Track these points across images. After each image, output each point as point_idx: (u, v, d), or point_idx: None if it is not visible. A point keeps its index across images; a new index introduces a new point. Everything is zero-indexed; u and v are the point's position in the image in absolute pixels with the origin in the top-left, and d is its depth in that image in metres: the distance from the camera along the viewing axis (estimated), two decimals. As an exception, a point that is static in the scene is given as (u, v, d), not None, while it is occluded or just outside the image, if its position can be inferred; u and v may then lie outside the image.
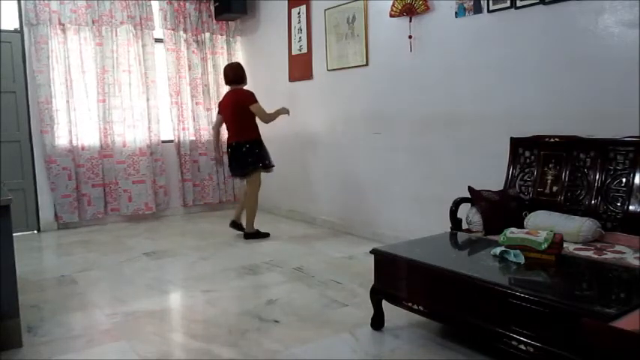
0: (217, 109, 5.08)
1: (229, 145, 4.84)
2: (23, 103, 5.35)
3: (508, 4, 3.49)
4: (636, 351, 1.63)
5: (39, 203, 5.47)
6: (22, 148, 5.38)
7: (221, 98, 5.11)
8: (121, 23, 5.69)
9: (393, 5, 4.20)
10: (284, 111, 4.94)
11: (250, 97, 4.73)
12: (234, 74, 4.82)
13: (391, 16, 4.24)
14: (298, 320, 2.96)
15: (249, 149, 4.74)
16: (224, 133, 5.10)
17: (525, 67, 3.45)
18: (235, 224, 4.97)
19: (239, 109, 4.70)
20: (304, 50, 5.43)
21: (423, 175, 4.22)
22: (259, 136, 4.84)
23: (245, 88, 4.88)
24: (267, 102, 6.09)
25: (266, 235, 4.92)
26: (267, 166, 4.87)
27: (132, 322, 3.00)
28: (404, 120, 4.35)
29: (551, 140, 3.17)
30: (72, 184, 5.51)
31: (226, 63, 6.38)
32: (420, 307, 2.51)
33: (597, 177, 2.93)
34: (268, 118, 4.83)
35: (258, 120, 4.84)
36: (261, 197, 6.41)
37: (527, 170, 3.28)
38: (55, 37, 5.38)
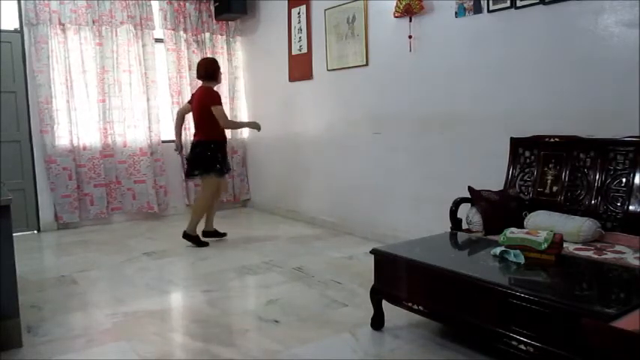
0: (190, 98, 4.86)
1: (192, 143, 4.68)
2: (23, 103, 5.35)
3: (508, 4, 3.49)
4: (636, 351, 1.63)
5: (39, 203, 5.46)
6: (22, 148, 5.38)
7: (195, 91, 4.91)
8: (121, 23, 5.69)
9: (396, 6, 4.20)
10: (254, 126, 4.84)
11: (214, 99, 4.50)
12: (204, 69, 4.59)
13: (395, 16, 4.24)
14: (298, 320, 2.96)
15: (203, 151, 4.52)
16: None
17: (525, 67, 3.45)
18: (211, 234, 4.80)
19: (203, 108, 4.50)
20: (304, 50, 5.43)
21: (423, 175, 4.22)
22: (224, 138, 4.68)
23: (215, 88, 4.66)
24: (267, 102, 6.12)
25: (205, 244, 4.64)
26: (223, 173, 4.65)
27: (132, 322, 3.00)
28: (404, 120, 4.35)
29: (551, 140, 3.17)
30: (72, 184, 5.51)
31: (226, 62, 6.44)
32: (420, 307, 2.51)
33: (597, 177, 2.93)
34: (227, 124, 4.58)
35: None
36: (261, 197, 6.45)
37: (527, 170, 3.28)
38: (55, 37, 5.38)
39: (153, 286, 3.63)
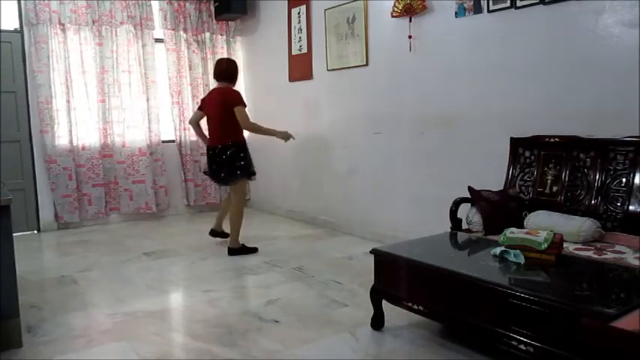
0: (199, 104, 4.63)
1: (211, 149, 4.37)
2: (23, 103, 5.35)
3: (508, 4, 3.49)
4: (636, 351, 1.63)
5: (39, 203, 5.46)
6: (22, 148, 5.38)
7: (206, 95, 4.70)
8: (121, 23, 5.69)
9: (394, 5, 4.21)
10: (282, 135, 4.45)
11: (237, 98, 4.24)
12: (226, 69, 4.38)
13: (393, 16, 4.24)
14: (298, 320, 2.96)
15: (234, 154, 4.26)
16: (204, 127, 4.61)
17: (525, 67, 3.45)
18: (216, 233, 4.66)
19: (225, 109, 4.21)
20: (304, 50, 5.43)
21: (423, 175, 4.22)
22: (244, 140, 4.39)
23: (234, 88, 4.44)
24: (267, 102, 6.12)
25: (253, 251, 4.42)
26: (252, 174, 4.43)
27: (132, 322, 3.00)
28: (404, 120, 4.35)
29: (551, 140, 3.17)
30: (72, 184, 5.51)
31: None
32: (420, 307, 2.51)
33: (597, 177, 2.93)
34: (250, 126, 4.29)
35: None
36: (261, 197, 6.45)
37: (527, 170, 3.28)
38: (55, 37, 5.38)
39: (153, 286, 3.63)
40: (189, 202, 6.24)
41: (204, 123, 4.53)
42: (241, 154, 4.30)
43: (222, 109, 4.23)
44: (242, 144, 4.34)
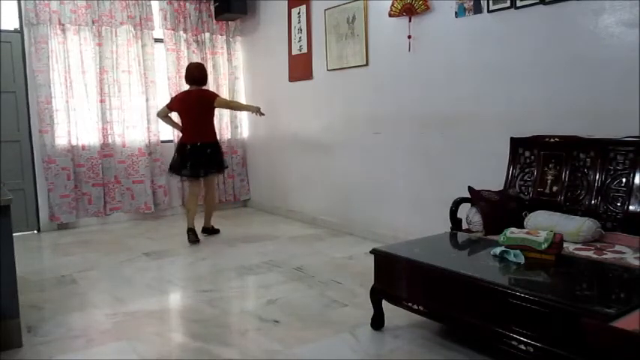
0: (169, 102, 4.96)
1: (191, 145, 4.71)
2: (23, 103, 5.35)
3: (508, 4, 3.49)
4: (636, 351, 1.63)
5: (39, 203, 5.46)
6: (22, 148, 5.38)
7: (177, 95, 5.06)
8: (121, 23, 5.69)
9: (393, 5, 4.21)
10: (253, 108, 4.90)
11: (214, 93, 4.91)
12: (200, 74, 4.83)
13: (390, 15, 4.24)
14: (298, 320, 2.96)
15: (216, 150, 4.84)
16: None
17: (525, 67, 3.45)
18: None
19: (205, 108, 4.76)
20: (304, 50, 5.43)
21: (423, 175, 4.22)
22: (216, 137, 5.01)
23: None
24: (267, 102, 6.12)
25: (217, 231, 5.12)
26: (224, 168, 5.15)
27: (132, 322, 3.00)
28: (404, 120, 4.35)
29: (551, 140, 3.16)
30: (71, 184, 5.50)
31: (226, 62, 6.44)
32: (420, 307, 2.51)
33: (597, 177, 2.93)
34: (235, 105, 5.31)
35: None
36: (261, 197, 6.46)
37: (527, 170, 3.28)
38: (55, 37, 5.38)
39: (152, 286, 3.63)
40: (184, 203, 6.22)
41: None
42: (221, 151, 4.94)
43: (202, 108, 4.73)
44: (217, 142, 4.92)
